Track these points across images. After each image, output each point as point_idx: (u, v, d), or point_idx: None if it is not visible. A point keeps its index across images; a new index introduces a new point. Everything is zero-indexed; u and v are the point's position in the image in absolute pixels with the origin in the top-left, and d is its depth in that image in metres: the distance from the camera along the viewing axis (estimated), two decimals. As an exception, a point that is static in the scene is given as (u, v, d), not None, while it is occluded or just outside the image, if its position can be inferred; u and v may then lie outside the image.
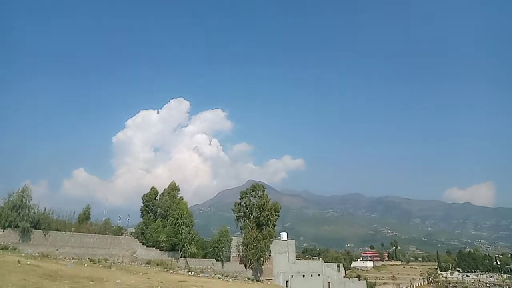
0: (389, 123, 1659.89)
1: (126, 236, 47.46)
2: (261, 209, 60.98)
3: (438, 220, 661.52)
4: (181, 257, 48.43)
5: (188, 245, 49.25)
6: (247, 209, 63.27)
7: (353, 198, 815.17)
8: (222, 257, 54.64)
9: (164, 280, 22.26)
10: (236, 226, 64.16)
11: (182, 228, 48.75)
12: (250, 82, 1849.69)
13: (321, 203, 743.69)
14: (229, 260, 57.09)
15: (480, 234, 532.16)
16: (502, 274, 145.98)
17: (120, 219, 66.34)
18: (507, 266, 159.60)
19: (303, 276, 66.01)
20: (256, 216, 61.29)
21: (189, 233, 49.98)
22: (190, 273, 34.08)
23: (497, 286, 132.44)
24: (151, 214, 58.35)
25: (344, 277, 77.90)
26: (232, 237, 60.27)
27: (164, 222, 54.18)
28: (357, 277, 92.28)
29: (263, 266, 59.12)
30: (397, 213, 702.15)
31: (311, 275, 67.44)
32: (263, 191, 65.43)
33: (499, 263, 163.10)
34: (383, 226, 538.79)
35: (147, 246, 47.48)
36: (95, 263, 30.33)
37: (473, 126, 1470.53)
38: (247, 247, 57.31)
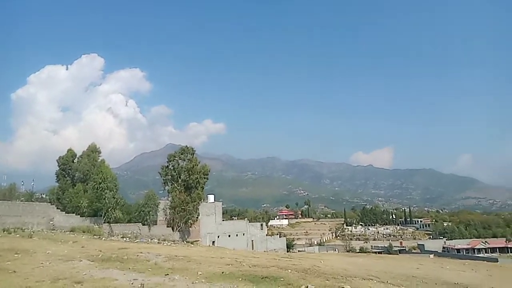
0: (303, 93, 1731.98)
1: (41, 203, 43.02)
2: (190, 172, 60.00)
3: (344, 181, 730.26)
4: (104, 222, 45.88)
5: (113, 210, 46.79)
6: (175, 172, 61.65)
7: (270, 162, 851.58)
8: (148, 221, 53.12)
9: (101, 248, 20.68)
10: (163, 190, 62.52)
11: (106, 193, 45.89)
12: (171, 42, 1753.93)
13: (240, 166, 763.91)
14: (156, 224, 55.82)
15: (379, 193, 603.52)
16: (396, 226, 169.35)
17: (23, 184, 59.86)
18: (400, 219, 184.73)
19: (229, 236, 67.77)
20: (185, 179, 60.20)
21: (114, 198, 47.36)
22: (124, 239, 32.34)
23: (392, 236, 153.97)
24: (68, 178, 53.65)
25: (266, 235, 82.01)
26: (160, 201, 58.64)
27: (85, 186, 50.35)
28: (278, 234, 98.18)
29: (190, 228, 59.13)
30: (310, 175, 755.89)
31: (237, 235, 69.60)
32: (192, 154, 64.12)
33: (394, 217, 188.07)
34: (297, 187, 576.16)
35: (66, 213, 43.85)
36: (10, 233, 26.95)
37: (374, 98, 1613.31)
38: (175, 210, 56.41)
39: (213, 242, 63.77)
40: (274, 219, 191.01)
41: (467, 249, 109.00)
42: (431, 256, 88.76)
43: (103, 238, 30.03)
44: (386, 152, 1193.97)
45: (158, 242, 31.41)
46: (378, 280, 14.75)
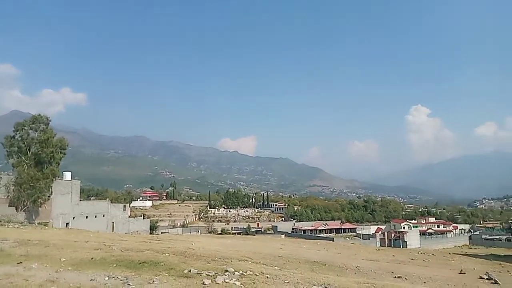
0: (177, 71, 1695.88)
1: None
2: (44, 145, 52.54)
3: (211, 164, 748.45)
4: None
5: None
6: (23, 143, 53.02)
7: (138, 141, 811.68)
8: (-17, 199, 44.57)
9: None
10: (6, 163, 53.23)
11: None
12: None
13: (102, 143, 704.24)
14: (-6, 202, 47.24)
15: (241, 178, 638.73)
16: (255, 209, 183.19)
17: None
18: (259, 203, 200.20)
19: (86, 217, 62.32)
20: (36, 152, 52.46)
21: None
22: None
23: (250, 218, 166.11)
24: None
25: (129, 216, 78.39)
26: (1, 176, 49.70)
27: None
28: (141, 216, 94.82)
29: (40, 209, 52.03)
30: (177, 157, 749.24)
31: (95, 216, 64.54)
32: (47, 124, 56.09)
33: (254, 201, 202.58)
34: (163, 169, 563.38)
35: None
36: None
37: (244, 88, 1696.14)
38: (21, 187, 48.65)
39: (67, 224, 57.76)
40: (137, 200, 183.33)
41: (311, 230, 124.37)
42: (282, 236, 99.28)
43: None
44: (250, 140, 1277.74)
45: (1, 224, 26.56)
46: (252, 260, 15.73)
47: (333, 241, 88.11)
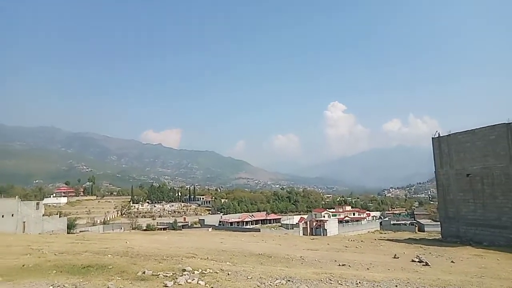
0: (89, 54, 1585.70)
1: None
2: None
3: (132, 158, 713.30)
4: None
5: None
6: None
7: (47, 131, 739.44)
8: None
9: None
10: None
11: None
12: None
13: (4, 134, 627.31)
14: None
15: (166, 171, 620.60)
16: (181, 203, 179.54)
17: None
18: (185, 197, 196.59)
19: (-9, 217, 55.20)
20: None
21: None
22: None
23: (177, 212, 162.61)
24: None
25: (43, 215, 71.21)
26: None
27: None
28: (57, 214, 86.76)
29: None
30: (95, 150, 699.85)
31: (3, 216, 57.52)
32: None
33: (179, 195, 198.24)
34: (79, 162, 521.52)
35: None
36: None
37: (166, 79, 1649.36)
38: None
39: (-34, 226, 50.42)
40: (50, 197, 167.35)
41: (238, 222, 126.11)
42: (210, 229, 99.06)
43: None
44: (175, 133, 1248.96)
45: None
46: (199, 257, 15.13)
47: (260, 231, 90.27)
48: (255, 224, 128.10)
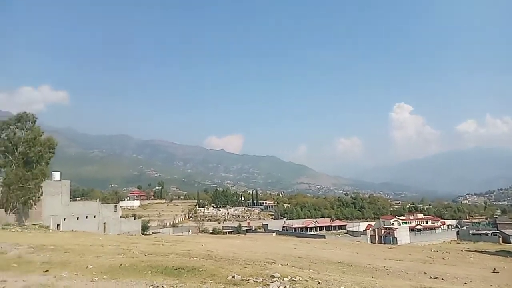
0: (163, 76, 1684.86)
1: None
2: (31, 144, 50.51)
3: (197, 163, 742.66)
4: None
5: None
6: (10, 143, 50.77)
7: (121, 139, 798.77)
8: (-29, 201, 42.34)
9: None
10: (-7, 164, 50.80)
11: None
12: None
13: (86, 142, 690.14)
14: (-19, 205, 45.02)
15: (228, 176, 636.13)
16: (244, 208, 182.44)
17: None
18: (248, 201, 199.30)
19: (77, 218, 60.38)
20: (24, 152, 50.34)
21: None
22: None
23: (240, 216, 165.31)
24: None
25: (120, 217, 76.50)
26: (-12, 177, 47.39)
27: None
28: (132, 216, 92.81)
29: (30, 210, 50.00)
30: (163, 156, 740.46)
31: (86, 217, 62.62)
32: (34, 122, 53.99)
33: (243, 199, 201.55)
34: (149, 168, 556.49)
35: None
36: None
37: (229, 86, 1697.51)
38: (9, 188, 46.61)
39: (58, 225, 55.78)
40: (125, 200, 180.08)
41: (302, 228, 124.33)
42: (273, 234, 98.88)
43: None
44: (237, 138, 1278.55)
45: (3, 228, 24.91)
46: (279, 263, 14.92)
47: (325, 238, 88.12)
48: (319, 230, 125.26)
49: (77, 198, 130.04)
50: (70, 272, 10.26)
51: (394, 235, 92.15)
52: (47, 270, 10.16)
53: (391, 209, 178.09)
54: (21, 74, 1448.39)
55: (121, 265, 11.85)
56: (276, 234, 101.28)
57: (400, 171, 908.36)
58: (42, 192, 51.12)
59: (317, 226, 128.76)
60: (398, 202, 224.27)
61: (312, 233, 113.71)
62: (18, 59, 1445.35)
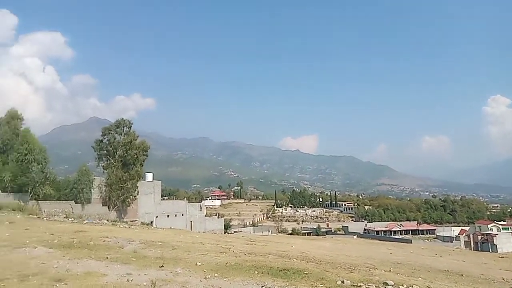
0: (235, 77, 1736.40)
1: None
2: (128, 147, 55.50)
3: (273, 164, 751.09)
4: (31, 199, 40.17)
5: (41, 185, 41.11)
6: (111, 147, 56.43)
7: (201, 142, 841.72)
8: (82, 198, 47.81)
9: (52, 231, 17.17)
10: (97, 166, 56.99)
11: (33, 166, 39.96)
12: (100, 7, 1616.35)
13: (171, 145, 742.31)
14: (90, 202, 50.67)
15: (304, 176, 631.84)
16: (322, 209, 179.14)
17: None
18: (326, 202, 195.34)
19: (168, 216, 64.81)
20: (122, 155, 55.53)
21: (42, 172, 41.54)
22: (71, 219, 28.08)
23: (319, 218, 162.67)
24: (-16, 148, 45.74)
25: (205, 215, 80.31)
26: (95, 177, 53.15)
27: (5, 157, 43.36)
28: (216, 215, 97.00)
29: (128, 208, 55.05)
30: (241, 157, 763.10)
31: (175, 215, 66.89)
32: (130, 127, 59.27)
33: (321, 200, 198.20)
34: (227, 169, 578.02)
35: (-18, 187, 37.36)
36: None
37: (304, 88, 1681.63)
38: (111, 188, 51.81)
39: (151, 222, 60.51)
40: (207, 199, 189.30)
41: (385, 231, 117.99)
42: (354, 237, 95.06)
43: (44, 218, 25.64)
44: (312, 138, 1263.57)
45: (113, 224, 27.83)
46: (381, 268, 14.06)
47: (411, 243, 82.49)
48: (405, 234, 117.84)
49: (165, 197, 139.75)
50: (183, 268, 10.77)
51: (493, 242, 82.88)
52: (162, 266, 10.85)
53: (488, 213, 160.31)
54: (116, 85, 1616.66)
55: (226, 263, 12.11)
56: (357, 236, 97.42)
57: (496, 170, 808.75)
58: (138, 192, 56.03)
59: (402, 230, 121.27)
60: (496, 205, 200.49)
61: (396, 237, 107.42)
62: (114, 72, 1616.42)
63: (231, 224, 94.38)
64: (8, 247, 12.13)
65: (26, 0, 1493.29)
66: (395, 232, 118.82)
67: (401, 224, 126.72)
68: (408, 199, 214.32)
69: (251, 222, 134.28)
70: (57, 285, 7.90)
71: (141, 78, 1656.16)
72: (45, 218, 25.91)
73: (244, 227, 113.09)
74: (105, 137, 57.73)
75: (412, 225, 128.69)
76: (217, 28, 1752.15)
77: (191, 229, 68.43)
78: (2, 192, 38.40)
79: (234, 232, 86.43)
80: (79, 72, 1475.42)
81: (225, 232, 76.89)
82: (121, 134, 57.65)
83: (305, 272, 11.04)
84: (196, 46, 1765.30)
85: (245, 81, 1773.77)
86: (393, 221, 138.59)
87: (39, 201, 40.85)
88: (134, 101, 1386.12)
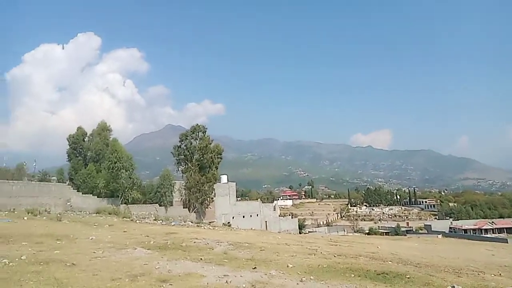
0: (302, 78, 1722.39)
1: (57, 183, 40.95)
2: (203, 151, 58.14)
3: (344, 162, 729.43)
4: (121, 203, 44.05)
5: (130, 190, 44.92)
6: (188, 152, 59.64)
7: (268, 143, 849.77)
8: (165, 202, 51.23)
9: (146, 233, 18.57)
10: (176, 170, 60.69)
11: (122, 173, 43.84)
12: (170, 22, 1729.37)
13: (240, 147, 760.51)
14: (172, 205, 54.04)
15: (378, 174, 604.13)
16: (401, 207, 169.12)
17: (25, 165, 57.46)
18: (404, 200, 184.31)
19: (243, 216, 66.46)
20: (198, 158, 58.37)
21: (130, 178, 45.37)
22: (160, 222, 30.35)
23: (397, 216, 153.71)
24: (80, 157, 51.39)
25: (279, 216, 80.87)
26: (175, 181, 56.60)
27: (98, 166, 48.17)
28: (289, 215, 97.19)
29: (206, 209, 57.57)
30: (309, 156, 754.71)
31: (250, 216, 68.31)
32: (204, 132, 62.13)
33: (398, 198, 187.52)
34: (297, 168, 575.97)
35: (82, 193, 41.87)
36: (35, 215, 24.86)
37: (374, 82, 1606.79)
38: (190, 191, 54.68)
39: (228, 223, 62.49)
40: (278, 199, 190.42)
41: (474, 230, 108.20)
42: (439, 236, 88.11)
43: (137, 221, 27.97)
44: (384, 133, 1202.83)
45: (198, 226, 29.37)
46: (489, 273, 12.65)
47: (507, 242, 74.14)
48: (498, 233, 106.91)
49: (239, 199, 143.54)
50: (277, 270, 10.70)
51: None
52: (255, 267, 10.90)
53: None
54: (189, 93, 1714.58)
55: (319, 265, 11.82)
56: (442, 236, 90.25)
57: None
58: (214, 194, 58.41)
59: (495, 228, 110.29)
60: None
61: (488, 235, 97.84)
62: (185, 80, 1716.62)
63: (305, 224, 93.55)
64: (112, 248, 13.26)
65: (107, 22, 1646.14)
66: (486, 230, 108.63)
67: (492, 222, 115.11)
68: (500, 193, 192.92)
69: (324, 222, 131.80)
70: (164, 285, 8.35)
71: (211, 85, 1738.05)
72: (137, 221, 28.16)
73: (318, 227, 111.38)
74: (182, 142, 61.26)
75: (506, 223, 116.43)
76: (292, 32, 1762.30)
77: (266, 229, 69.38)
78: (97, 197, 42.57)
79: (309, 232, 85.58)
80: (154, 84, 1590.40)
81: (299, 233, 76.54)
82: (197, 139, 60.70)
83: (407, 276, 10.30)
84: (264, 51, 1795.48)
85: (310, 78, 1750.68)
86: (483, 218, 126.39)
87: (129, 205, 44.58)
88: (205, 107, 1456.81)
